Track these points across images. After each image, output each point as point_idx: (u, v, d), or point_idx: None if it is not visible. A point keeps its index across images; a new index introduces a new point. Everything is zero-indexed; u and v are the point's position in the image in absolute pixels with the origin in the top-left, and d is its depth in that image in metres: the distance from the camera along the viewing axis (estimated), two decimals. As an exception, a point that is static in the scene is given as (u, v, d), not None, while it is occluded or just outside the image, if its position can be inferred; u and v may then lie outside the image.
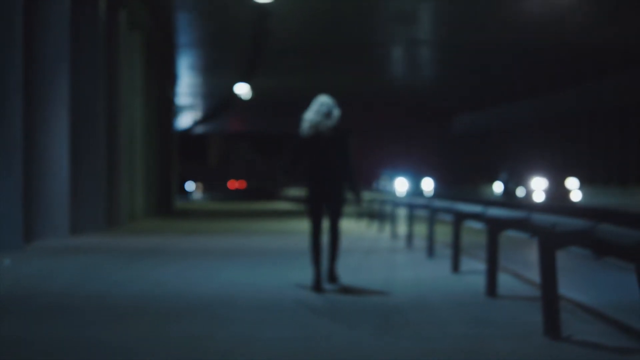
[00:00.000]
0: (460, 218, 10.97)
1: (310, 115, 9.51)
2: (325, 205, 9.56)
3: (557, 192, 36.08)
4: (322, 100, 9.57)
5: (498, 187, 41.08)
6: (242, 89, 44.23)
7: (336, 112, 9.55)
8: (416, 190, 53.12)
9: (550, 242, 6.46)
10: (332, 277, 9.59)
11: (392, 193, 50.45)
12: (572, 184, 36.77)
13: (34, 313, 7.92)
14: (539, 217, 7.66)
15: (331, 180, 9.54)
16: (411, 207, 15.87)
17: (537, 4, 26.22)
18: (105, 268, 11.76)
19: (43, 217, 16.66)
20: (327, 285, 9.45)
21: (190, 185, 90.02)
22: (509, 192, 37.64)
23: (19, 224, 14.20)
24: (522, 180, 36.91)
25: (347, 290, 9.32)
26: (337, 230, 9.62)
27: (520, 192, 36.77)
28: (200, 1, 26.36)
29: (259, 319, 7.45)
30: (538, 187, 36.18)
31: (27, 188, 15.48)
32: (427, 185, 56.41)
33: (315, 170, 9.52)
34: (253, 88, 44.43)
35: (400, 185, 55.16)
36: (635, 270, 4.70)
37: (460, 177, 61.88)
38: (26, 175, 15.37)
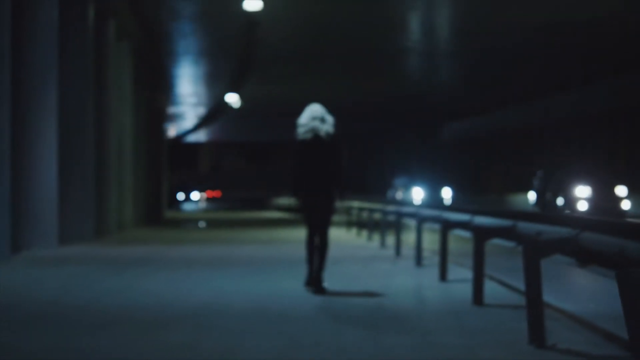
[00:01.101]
0: (447, 226, 10.99)
1: (305, 120, 9.72)
2: (316, 212, 9.80)
3: (606, 201, 30.44)
4: (314, 108, 9.81)
5: (533, 195, 34.19)
6: (233, 98, 44.25)
7: (329, 118, 9.77)
8: (435, 200, 47.59)
9: (534, 251, 6.48)
10: (319, 289, 9.68)
11: (410, 203, 46.90)
12: (621, 191, 31.29)
13: (20, 321, 7.91)
14: (524, 225, 7.68)
15: (323, 189, 9.76)
16: (399, 215, 15.91)
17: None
18: (93, 277, 11.75)
19: (31, 227, 16.63)
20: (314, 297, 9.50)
21: (195, 195, 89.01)
22: (545, 201, 31.91)
23: (6, 234, 14.17)
24: (562, 188, 30.77)
25: (334, 298, 9.33)
26: (325, 239, 9.86)
27: (559, 201, 30.57)
28: (189, 10, 26.37)
29: (246, 328, 7.46)
30: (581, 195, 30.37)
31: (15, 198, 15.46)
32: (446, 194, 50.08)
33: (309, 176, 9.73)
34: (244, 97, 44.46)
35: (418, 194, 49.01)
36: (616, 277, 4.73)
37: (484, 185, 55.79)
38: (14, 184, 15.35)
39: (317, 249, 9.80)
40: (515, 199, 45.83)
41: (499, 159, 54.62)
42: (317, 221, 9.82)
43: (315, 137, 9.67)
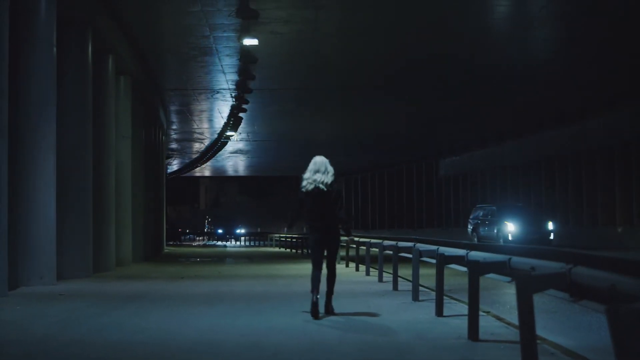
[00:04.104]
0: (443, 262, 10.99)
1: (309, 174, 11.14)
2: (324, 248, 11.21)
3: None
4: (317, 160, 11.22)
5: None
6: (231, 133, 44.37)
7: (330, 168, 11.18)
8: (537, 235, 33.54)
9: (527, 286, 6.49)
10: (328, 310, 11.11)
11: (504, 239, 33.49)
12: None
13: (17, 358, 7.89)
14: (517, 260, 7.69)
15: (329, 227, 11.15)
16: (396, 249, 15.91)
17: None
18: (88, 314, 11.72)
19: (29, 263, 16.57)
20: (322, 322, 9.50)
21: (240, 230, 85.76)
22: None
23: (4, 270, 14.13)
24: None
25: (329, 334, 9.32)
26: (334, 270, 11.35)
27: None
28: (187, 46, 26.52)
29: (239, 365, 7.44)
30: None
31: (13, 234, 15.44)
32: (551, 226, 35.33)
33: (316, 218, 11.10)
34: (242, 131, 44.58)
35: (511, 228, 34.34)
36: (605, 312, 4.74)
37: (596, 214, 41.87)
38: (12, 220, 15.34)
39: (327, 279, 11.22)
40: None
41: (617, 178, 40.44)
42: (326, 255, 11.26)
43: (316, 188, 11.05)
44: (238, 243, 73.07)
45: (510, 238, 33.55)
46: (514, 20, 24.87)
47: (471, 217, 38.90)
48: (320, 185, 11.07)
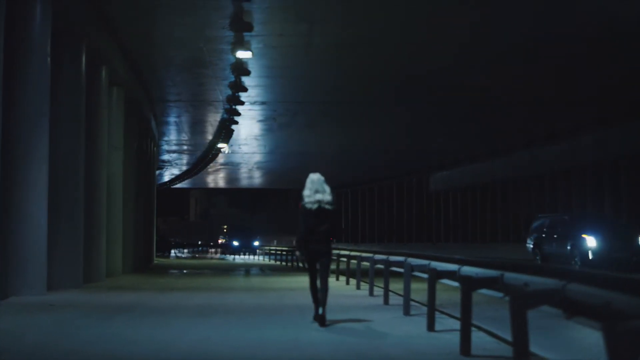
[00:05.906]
0: (434, 276, 11.00)
1: (308, 191, 11.56)
2: (318, 261, 11.61)
3: None
4: (314, 179, 11.62)
5: None
6: (223, 145, 44.35)
7: (327, 187, 11.60)
8: (625, 252, 26.38)
9: (521, 302, 6.50)
10: (322, 322, 11.32)
11: (582, 257, 26.49)
12: None
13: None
14: (511, 276, 7.71)
15: (322, 243, 11.55)
16: (387, 263, 15.92)
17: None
18: (79, 325, 11.70)
19: (20, 273, 16.51)
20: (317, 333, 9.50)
21: (257, 242, 76.47)
22: None
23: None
24: None
25: (320, 348, 9.32)
26: (326, 282, 11.57)
27: None
28: (180, 58, 26.53)
29: (232, 378, 7.43)
30: None
31: (3, 243, 15.40)
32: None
33: (312, 234, 11.48)
34: (233, 143, 44.58)
35: (593, 243, 26.49)
36: (602, 329, 4.76)
37: None
38: (3, 230, 15.31)
39: (320, 291, 11.54)
40: None
41: None
42: (319, 268, 11.61)
43: (319, 207, 11.48)
44: (256, 257, 62.46)
45: (590, 257, 26.36)
46: (501, 40, 24.95)
47: (533, 228, 30.55)
48: (326, 206, 11.53)
